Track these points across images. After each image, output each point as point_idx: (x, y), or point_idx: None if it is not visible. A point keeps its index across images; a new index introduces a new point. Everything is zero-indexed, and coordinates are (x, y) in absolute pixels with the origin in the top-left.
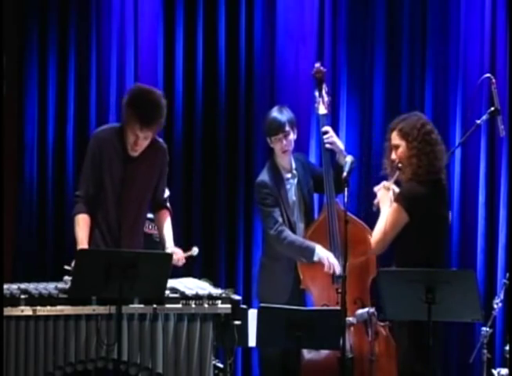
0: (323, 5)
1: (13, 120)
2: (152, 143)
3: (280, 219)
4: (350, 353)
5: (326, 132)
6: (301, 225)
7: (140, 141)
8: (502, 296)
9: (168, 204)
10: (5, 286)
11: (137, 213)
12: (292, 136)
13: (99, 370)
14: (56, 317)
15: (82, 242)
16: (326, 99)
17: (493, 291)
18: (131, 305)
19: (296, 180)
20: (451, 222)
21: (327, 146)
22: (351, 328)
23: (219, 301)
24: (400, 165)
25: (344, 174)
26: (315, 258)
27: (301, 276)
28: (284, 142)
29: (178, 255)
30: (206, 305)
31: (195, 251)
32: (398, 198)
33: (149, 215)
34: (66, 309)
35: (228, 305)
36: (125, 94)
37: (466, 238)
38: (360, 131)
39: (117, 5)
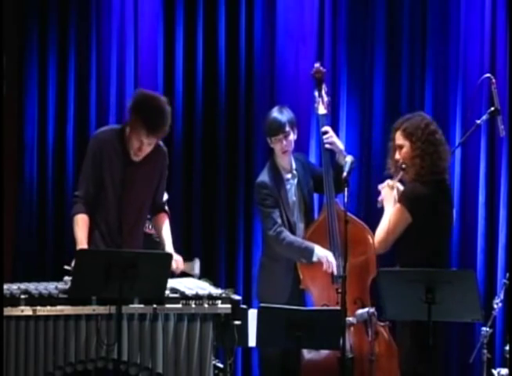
0: (323, 5)
1: (13, 120)
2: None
3: (279, 220)
4: (350, 353)
5: (325, 132)
6: (301, 226)
7: (144, 147)
8: (502, 296)
9: (167, 208)
10: (5, 286)
11: (137, 216)
12: (292, 137)
13: (99, 370)
14: (56, 317)
15: (82, 242)
16: (325, 99)
17: (493, 291)
18: (131, 305)
19: (296, 180)
20: None
21: (327, 146)
22: (351, 328)
23: (219, 301)
24: (404, 166)
25: (344, 174)
26: (315, 259)
27: (301, 277)
28: (284, 142)
29: (178, 263)
30: (206, 305)
31: (196, 268)
32: (401, 198)
33: (149, 215)
34: (66, 309)
35: (228, 305)
36: (130, 100)
37: (466, 238)
38: (360, 131)
39: (117, 5)
